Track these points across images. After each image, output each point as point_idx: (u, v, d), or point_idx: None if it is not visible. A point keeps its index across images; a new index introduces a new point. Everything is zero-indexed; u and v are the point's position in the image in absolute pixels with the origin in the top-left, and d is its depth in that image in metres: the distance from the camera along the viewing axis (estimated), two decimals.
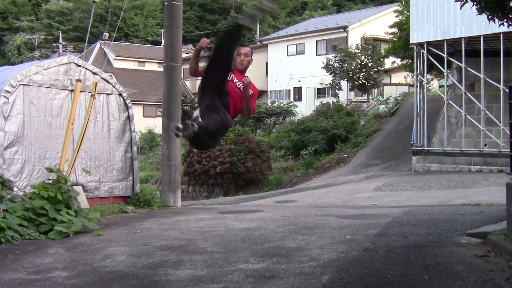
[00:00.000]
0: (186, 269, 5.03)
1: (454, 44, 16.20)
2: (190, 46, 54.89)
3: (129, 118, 10.23)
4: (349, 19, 38.66)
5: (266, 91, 41.36)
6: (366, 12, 41.50)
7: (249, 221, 8.05)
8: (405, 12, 22.32)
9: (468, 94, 15.57)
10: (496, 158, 14.87)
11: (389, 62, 28.82)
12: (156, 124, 27.14)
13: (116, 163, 9.94)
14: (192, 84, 44.68)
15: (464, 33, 15.25)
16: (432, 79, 24.58)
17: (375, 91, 33.04)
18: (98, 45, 42.77)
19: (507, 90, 5.98)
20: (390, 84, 34.32)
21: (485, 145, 15.23)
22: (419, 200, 10.76)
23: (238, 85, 4.80)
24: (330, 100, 29.35)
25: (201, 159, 18.91)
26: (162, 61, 11.38)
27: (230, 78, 4.82)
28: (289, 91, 39.31)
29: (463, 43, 15.31)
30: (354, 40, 32.19)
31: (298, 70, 37.81)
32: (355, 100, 32.28)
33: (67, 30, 62.96)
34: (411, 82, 28.09)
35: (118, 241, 6.59)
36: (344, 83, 30.08)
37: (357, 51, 29.01)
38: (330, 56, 30.17)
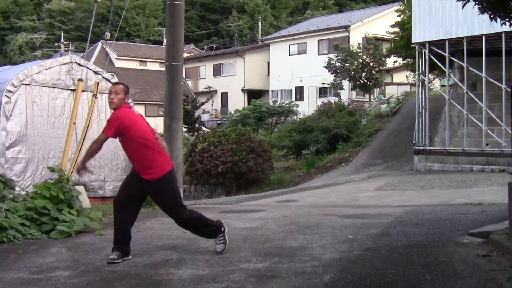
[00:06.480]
0: (188, 269, 5.03)
1: (456, 44, 16.17)
2: (192, 45, 54.96)
3: None
4: (351, 19, 38.67)
5: (268, 91, 41.40)
6: (368, 11, 41.49)
7: (250, 221, 8.04)
8: (406, 11, 22.29)
9: (470, 93, 15.56)
10: (498, 158, 14.86)
11: (391, 61, 28.77)
12: (158, 124, 26.97)
13: (120, 162, 9.94)
14: (194, 84, 44.74)
15: (466, 32, 15.23)
16: (434, 79, 24.55)
17: (376, 90, 33.02)
18: (100, 44, 42.80)
19: (509, 90, 5.97)
20: (392, 83, 34.31)
21: (487, 144, 15.21)
22: (421, 199, 10.74)
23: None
24: (332, 99, 29.36)
25: (203, 158, 18.90)
26: (164, 61, 11.38)
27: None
28: (291, 90, 39.32)
29: (465, 43, 15.29)
30: (355, 39, 32.17)
31: (299, 70, 37.81)
32: (357, 99, 32.27)
33: (68, 30, 63.07)
34: (413, 82, 28.07)
35: None
36: (345, 83, 30.06)
37: (358, 50, 28.99)
38: (331, 55, 30.16)
